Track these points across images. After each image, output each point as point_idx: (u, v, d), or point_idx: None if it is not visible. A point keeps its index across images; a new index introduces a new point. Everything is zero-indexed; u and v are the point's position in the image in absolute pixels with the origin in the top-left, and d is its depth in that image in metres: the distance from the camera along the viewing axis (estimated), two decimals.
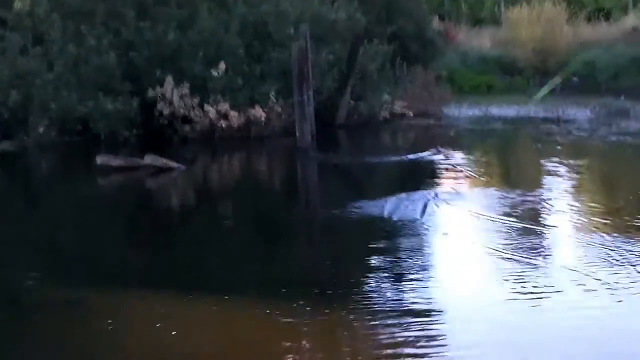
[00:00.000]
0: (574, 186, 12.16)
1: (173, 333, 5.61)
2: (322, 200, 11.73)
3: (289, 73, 16.70)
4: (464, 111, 23.74)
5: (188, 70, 16.82)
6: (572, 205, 10.20)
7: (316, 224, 9.98)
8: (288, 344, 5.43)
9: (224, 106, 16.70)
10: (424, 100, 22.80)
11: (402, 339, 5.41)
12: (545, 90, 18.94)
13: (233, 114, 16.76)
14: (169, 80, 16.53)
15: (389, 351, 5.20)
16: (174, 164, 13.47)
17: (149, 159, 13.48)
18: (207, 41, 17.15)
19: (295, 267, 7.62)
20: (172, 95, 16.50)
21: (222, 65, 16.85)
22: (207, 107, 16.65)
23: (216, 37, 17.24)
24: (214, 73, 16.79)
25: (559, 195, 11.10)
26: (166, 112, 16.54)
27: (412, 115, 21.55)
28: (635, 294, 6.34)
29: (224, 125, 16.72)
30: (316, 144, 16.34)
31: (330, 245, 8.58)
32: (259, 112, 16.99)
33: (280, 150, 16.87)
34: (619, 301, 6.19)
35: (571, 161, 14.35)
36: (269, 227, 9.51)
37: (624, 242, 7.91)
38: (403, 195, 10.60)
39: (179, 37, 17.06)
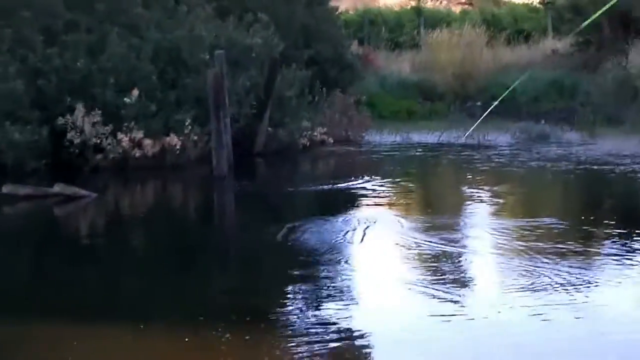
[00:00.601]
0: (494, 212, 12.54)
1: None
2: (238, 228, 11.87)
3: (204, 100, 16.82)
4: (384, 137, 24.17)
5: (99, 97, 16.79)
6: (491, 230, 10.52)
7: (232, 251, 10.14)
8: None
9: (138, 134, 16.68)
10: (344, 126, 23.14)
11: None
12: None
13: (147, 142, 16.76)
14: (80, 108, 16.46)
15: None
16: (84, 192, 13.46)
17: (58, 188, 13.46)
18: (118, 67, 17.14)
19: (212, 293, 7.74)
20: (83, 123, 16.43)
21: (135, 92, 16.85)
22: (120, 135, 16.61)
23: (128, 63, 17.25)
24: (127, 100, 16.77)
25: (480, 220, 11.48)
26: (77, 140, 16.45)
27: (332, 142, 21.83)
28: (551, 310, 6.65)
29: (137, 154, 16.70)
30: (234, 173, 16.45)
31: (248, 272, 8.71)
32: (174, 140, 17.02)
33: (196, 179, 16.95)
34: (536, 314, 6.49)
35: (491, 187, 14.75)
36: (184, 255, 9.57)
37: (542, 264, 8.25)
38: (322, 221, 10.81)
39: (89, 63, 17.02)
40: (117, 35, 17.50)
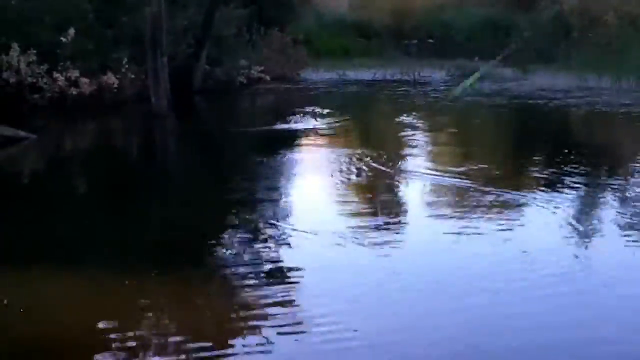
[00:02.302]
0: (431, 145, 12.90)
1: (21, 310, 5.52)
2: (177, 165, 11.97)
3: (142, 38, 16.83)
4: (321, 75, 24.36)
5: (35, 36, 16.70)
6: (428, 163, 10.89)
7: (171, 188, 10.18)
8: (146, 302, 5.68)
9: (74, 73, 16.66)
10: (281, 64, 23.28)
11: (254, 297, 5.75)
12: (465, 85, 19.68)
13: (84, 80, 16.75)
14: (15, 47, 16.37)
15: (246, 312, 5.48)
16: (23, 134, 13.46)
17: None
18: (53, 6, 17.04)
19: (151, 229, 7.87)
20: (19, 62, 16.37)
21: (72, 31, 16.79)
22: (55, 75, 16.58)
23: (63, 2, 17.15)
24: (63, 39, 16.72)
25: (418, 152, 11.86)
26: (12, 80, 16.40)
27: (269, 79, 21.97)
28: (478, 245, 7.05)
29: (74, 92, 16.70)
30: (172, 110, 16.53)
31: (186, 208, 8.77)
32: (111, 79, 17.05)
33: (134, 117, 17.01)
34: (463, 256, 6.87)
35: (427, 121, 15.10)
36: (124, 193, 9.69)
37: (472, 197, 8.67)
38: (264, 158, 11.05)
39: (23, 2, 16.90)
40: None
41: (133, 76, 17.46)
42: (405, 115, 15.88)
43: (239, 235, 7.38)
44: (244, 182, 9.89)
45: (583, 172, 10.23)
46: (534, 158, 11.43)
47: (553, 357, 4.76)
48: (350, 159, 10.95)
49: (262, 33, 22.78)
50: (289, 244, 7.00)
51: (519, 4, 29.74)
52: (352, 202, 8.79)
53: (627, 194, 9.01)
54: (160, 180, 10.85)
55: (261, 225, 7.63)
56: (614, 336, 5.04)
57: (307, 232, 7.32)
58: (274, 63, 22.88)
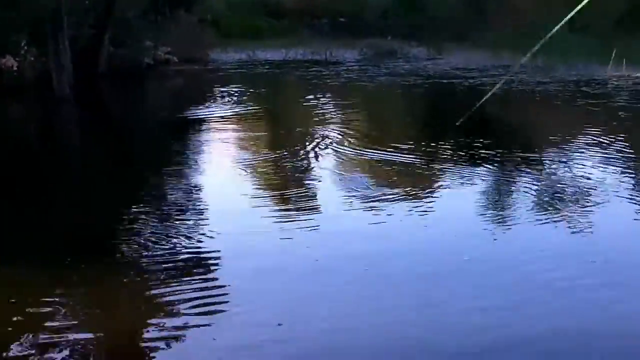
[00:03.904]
0: (343, 122, 12.80)
1: None
2: (79, 154, 11.61)
3: (42, 20, 16.32)
4: (230, 55, 24.08)
5: None
6: (345, 144, 10.79)
7: (75, 176, 9.86)
8: (60, 291, 5.53)
9: None
10: (189, 45, 22.89)
11: (167, 286, 5.62)
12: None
13: None
14: None
15: (159, 300, 5.41)
16: None
17: None
18: None
19: (52, 222, 7.54)
20: None
21: None
22: None
23: None
24: None
25: (331, 130, 11.78)
26: None
27: (177, 61, 21.59)
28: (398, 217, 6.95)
29: None
30: (75, 94, 16.08)
31: (94, 201, 8.47)
32: (10, 62, 16.53)
33: (35, 101, 16.50)
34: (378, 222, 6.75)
35: (340, 100, 14.99)
36: (23, 184, 9.24)
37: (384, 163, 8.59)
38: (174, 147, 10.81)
39: None
40: None
41: (32, 59, 16.95)
42: (319, 96, 15.77)
43: (139, 226, 7.16)
44: (148, 171, 9.63)
45: (498, 151, 10.28)
46: (450, 140, 11.32)
47: None
48: (265, 144, 10.81)
49: (168, 14, 22.38)
50: (203, 233, 6.81)
51: None
52: (268, 188, 8.62)
53: (543, 172, 9.10)
54: (61, 171, 10.39)
55: (171, 213, 7.48)
56: None
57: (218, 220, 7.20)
58: (182, 44, 22.47)
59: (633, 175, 9.08)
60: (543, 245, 6.46)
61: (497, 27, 24.06)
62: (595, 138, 11.04)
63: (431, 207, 7.55)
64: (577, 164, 9.54)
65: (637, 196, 8.00)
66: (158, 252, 6.28)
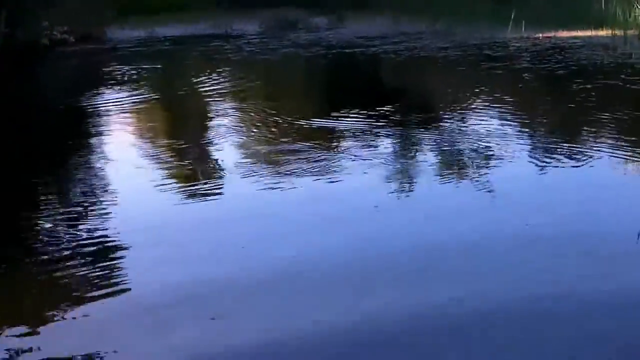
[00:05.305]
0: (241, 100, 12.92)
1: None
2: None
3: None
4: (128, 33, 23.71)
5: None
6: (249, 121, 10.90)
7: None
8: None
9: None
10: (85, 24, 22.54)
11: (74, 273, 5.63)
12: None
13: None
14: None
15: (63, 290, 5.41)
16: None
17: None
18: None
19: None
20: None
21: None
22: None
23: None
24: None
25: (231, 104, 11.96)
26: None
27: (73, 40, 21.27)
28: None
29: None
30: None
31: None
32: None
33: None
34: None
35: (242, 74, 15.05)
36: None
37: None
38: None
39: None
40: None
41: None
42: (225, 72, 15.79)
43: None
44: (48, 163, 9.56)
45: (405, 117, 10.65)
46: (360, 109, 11.48)
47: None
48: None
49: None
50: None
51: None
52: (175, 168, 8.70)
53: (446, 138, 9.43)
54: None
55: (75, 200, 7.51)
56: None
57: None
58: (78, 22, 22.13)
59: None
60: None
61: None
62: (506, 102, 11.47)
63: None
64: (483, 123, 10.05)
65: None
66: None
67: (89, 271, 5.59)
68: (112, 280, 5.45)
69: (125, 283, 5.41)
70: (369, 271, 5.50)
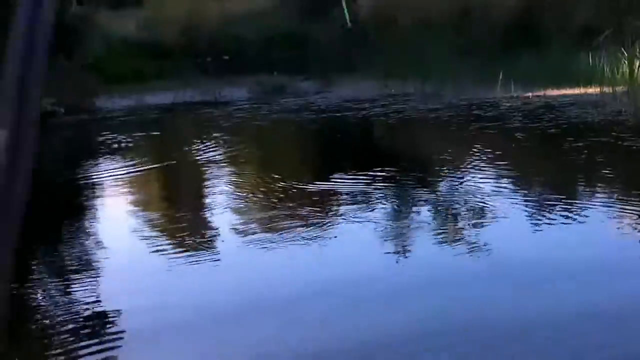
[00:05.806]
0: (237, 166, 12.99)
1: None
2: None
3: None
4: (117, 102, 23.72)
5: None
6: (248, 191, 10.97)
7: None
8: None
9: None
10: (74, 95, 22.58)
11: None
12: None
13: None
14: None
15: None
16: None
17: None
18: None
19: None
20: None
21: None
22: None
23: None
24: None
25: (228, 169, 12.06)
26: None
27: (63, 112, 21.28)
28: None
29: None
30: None
31: None
32: None
33: None
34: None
35: (234, 138, 15.12)
36: None
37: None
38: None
39: None
40: None
41: None
42: (218, 139, 15.84)
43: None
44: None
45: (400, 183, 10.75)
46: (357, 172, 11.54)
47: None
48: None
49: (47, 62, 22.02)
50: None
51: (310, 13, 30.10)
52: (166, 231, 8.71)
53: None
54: None
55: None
56: None
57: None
58: (66, 93, 22.15)
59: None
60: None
61: (381, 53, 24.37)
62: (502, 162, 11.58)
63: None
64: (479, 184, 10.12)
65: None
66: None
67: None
68: None
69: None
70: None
